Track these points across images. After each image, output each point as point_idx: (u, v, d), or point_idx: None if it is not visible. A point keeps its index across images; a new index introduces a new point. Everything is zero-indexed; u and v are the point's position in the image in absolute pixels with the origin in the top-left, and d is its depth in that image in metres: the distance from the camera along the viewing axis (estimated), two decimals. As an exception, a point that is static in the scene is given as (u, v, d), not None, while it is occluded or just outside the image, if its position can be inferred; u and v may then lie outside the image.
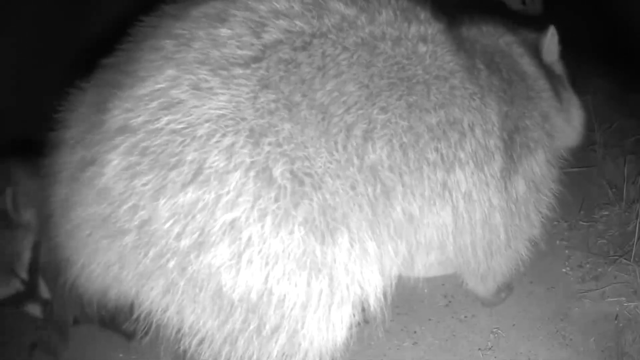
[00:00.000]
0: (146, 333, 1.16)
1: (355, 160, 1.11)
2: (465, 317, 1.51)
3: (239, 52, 1.08)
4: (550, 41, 1.53)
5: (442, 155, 1.19)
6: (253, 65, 1.07)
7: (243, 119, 1.04)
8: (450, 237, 1.25)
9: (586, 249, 1.72)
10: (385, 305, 1.16)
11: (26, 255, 1.55)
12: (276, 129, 1.05)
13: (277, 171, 1.04)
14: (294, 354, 1.12)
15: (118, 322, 1.64)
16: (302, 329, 1.09)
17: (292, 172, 1.06)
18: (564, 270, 1.65)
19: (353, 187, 1.10)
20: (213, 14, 1.12)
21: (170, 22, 1.14)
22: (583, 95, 2.72)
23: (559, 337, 1.39)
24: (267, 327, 1.08)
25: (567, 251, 1.74)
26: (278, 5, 1.13)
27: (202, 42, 1.08)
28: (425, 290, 1.65)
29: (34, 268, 1.56)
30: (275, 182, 1.04)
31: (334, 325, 1.12)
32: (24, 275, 1.55)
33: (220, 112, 1.04)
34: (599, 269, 1.61)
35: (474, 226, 1.26)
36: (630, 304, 1.46)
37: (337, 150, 1.10)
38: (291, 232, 1.04)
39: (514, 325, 1.45)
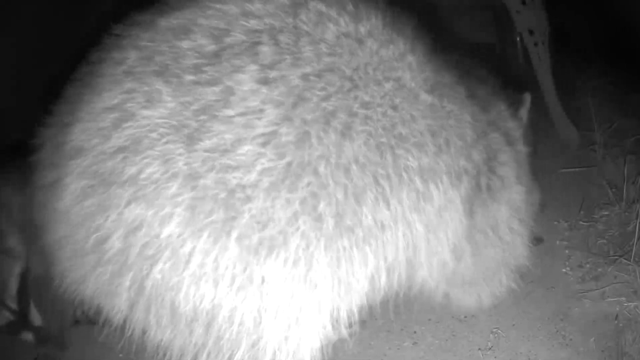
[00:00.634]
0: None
1: (332, 158, 1.05)
2: (465, 317, 1.51)
3: (195, 60, 1.06)
4: (525, 106, 1.61)
5: (420, 164, 1.14)
6: (204, 69, 1.05)
7: (184, 126, 1.02)
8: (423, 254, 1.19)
9: (586, 249, 1.72)
10: (347, 324, 1.13)
11: (13, 284, 1.52)
12: (213, 132, 1.01)
13: (208, 181, 1.00)
14: None
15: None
16: (258, 343, 1.07)
17: (224, 182, 1.01)
18: (564, 270, 1.65)
19: (302, 201, 1.03)
20: (179, 26, 1.10)
21: (137, 32, 1.12)
22: (583, 96, 2.73)
23: (559, 337, 1.39)
24: (224, 342, 1.05)
25: (567, 251, 1.74)
26: (252, 7, 1.10)
27: (164, 56, 1.07)
28: (425, 290, 1.65)
29: (23, 296, 1.53)
30: (208, 193, 1.00)
31: (293, 339, 1.08)
32: (12, 305, 1.51)
33: (165, 120, 1.02)
34: (599, 269, 1.61)
35: (443, 247, 1.22)
36: (630, 304, 1.46)
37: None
38: (226, 249, 1.01)
39: (514, 325, 1.45)
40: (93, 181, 1.04)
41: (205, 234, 1.00)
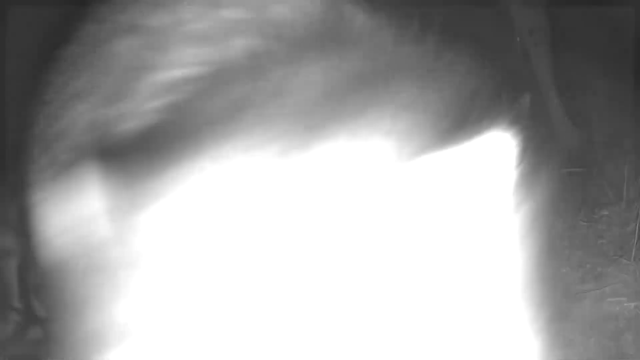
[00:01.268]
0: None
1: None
2: (465, 317, 1.51)
3: None
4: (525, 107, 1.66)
5: None
6: None
7: None
8: None
9: (586, 249, 1.72)
10: None
11: (14, 283, 1.52)
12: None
13: None
14: None
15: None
16: None
17: None
18: (564, 270, 1.65)
19: None
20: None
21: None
22: (583, 96, 2.72)
23: (559, 337, 1.39)
24: None
25: (567, 251, 1.73)
26: None
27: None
28: (425, 290, 1.65)
29: (24, 291, 1.53)
30: None
31: None
32: (16, 304, 1.52)
33: None
34: (599, 269, 1.61)
35: None
36: (630, 304, 1.46)
37: None
38: None
39: (514, 325, 1.45)
40: None
41: None
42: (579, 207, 1.95)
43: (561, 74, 2.74)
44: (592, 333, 1.39)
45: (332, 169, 0.72)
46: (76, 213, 1.03)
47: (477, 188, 0.83)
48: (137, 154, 0.78)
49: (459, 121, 0.80)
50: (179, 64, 0.84)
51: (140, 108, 0.80)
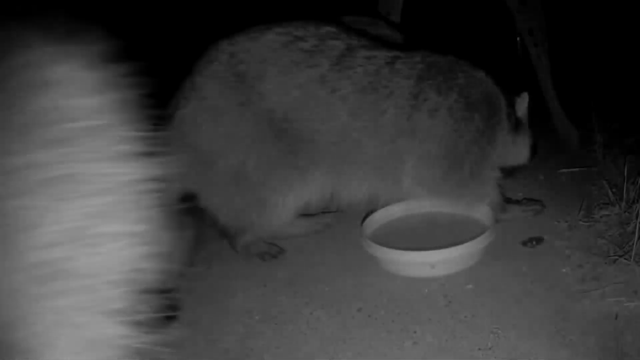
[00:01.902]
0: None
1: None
2: (465, 317, 1.51)
3: None
4: (522, 102, 1.94)
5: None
6: None
7: None
8: None
9: (586, 249, 1.72)
10: None
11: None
12: None
13: None
14: None
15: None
16: None
17: None
18: (564, 270, 1.65)
19: None
20: None
21: None
22: (583, 96, 2.73)
23: (559, 337, 1.39)
24: None
25: (567, 251, 1.74)
26: None
27: None
28: (426, 290, 1.65)
29: None
30: None
31: None
32: None
33: None
34: (599, 269, 1.61)
35: None
36: (630, 304, 1.46)
37: None
38: None
39: (514, 325, 1.45)
40: None
41: None
42: (579, 207, 1.95)
43: (561, 74, 2.74)
44: (592, 333, 1.39)
45: None
46: None
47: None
48: None
49: None
50: None
51: None
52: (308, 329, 1.55)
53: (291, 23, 1.82)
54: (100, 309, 0.83)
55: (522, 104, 1.94)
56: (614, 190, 1.94)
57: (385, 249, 1.74)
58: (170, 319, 1.65)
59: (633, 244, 1.62)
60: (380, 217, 1.96)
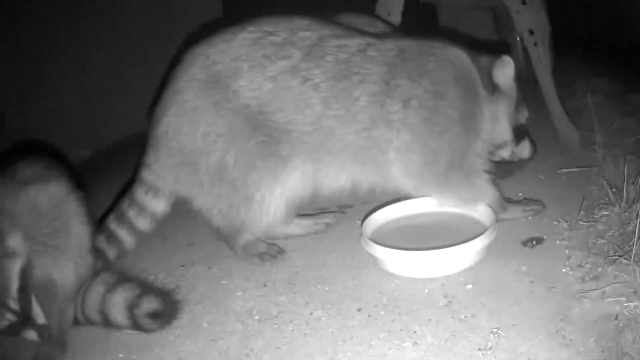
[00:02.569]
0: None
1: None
2: (465, 317, 1.51)
3: None
4: (501, 70, 1.86)
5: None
6: None
7: None
8: None
9: (586, 249, 1.72)
10: None
11: (14, 285, 1.51)
12: None
13: None
14: None
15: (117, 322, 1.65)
16: None
17: None
18: (564, 270, 1.65)
19: None
20: None
21: None
22: (583, 96, 2.73)
23: (559, 337, 1.39)
24: None
25: (567, 251, 1.74)
26: None
27: None
28: (426, 290, 1.65)
29: (25, 295, 1.53)
30: None
31: None
32: (14, 305, 1.51)
33: None
34: (599, 269, 1.61)
35: None
36: (630, 304, 1.45)
37: None
38: None
39: (514, 325, 1.45)
40: None
41: None
42: (579, 207, 1.95)
43: (561, 74, 2.74)
44: (592, 333, 1.38)
45: None
46: None
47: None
48: None
49: None
50: None
51: None
52: (308, 329, 1.55)
53: (264, 20, 1.84)
54: None
55: (502, 69, 1.86)
56: (614, 190, 1.94)
57: (385, 249, 1.74)
58: (170, 318, 1.65)
59: (633, 244, 1.62)
60: (380, 217, 1.96)
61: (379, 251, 1.75)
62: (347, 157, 1.82)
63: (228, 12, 3.61)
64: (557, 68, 2.77)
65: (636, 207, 1.78)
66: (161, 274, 1.93)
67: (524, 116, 2.00)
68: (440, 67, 1.80)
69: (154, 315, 1.62)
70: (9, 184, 1.62)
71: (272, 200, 1.84)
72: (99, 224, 1.94)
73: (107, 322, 1.65)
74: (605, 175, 2.10)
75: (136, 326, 1.62)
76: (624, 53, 3.07)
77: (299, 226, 2.06)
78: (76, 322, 1.68)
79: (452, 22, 4.33)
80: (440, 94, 1.78)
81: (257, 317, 1.63)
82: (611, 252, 1.67)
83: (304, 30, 1.80)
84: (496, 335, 1.42)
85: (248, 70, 1.78)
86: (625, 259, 1.61)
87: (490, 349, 1.38)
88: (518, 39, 3.90)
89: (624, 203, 1.85)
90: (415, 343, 1.44)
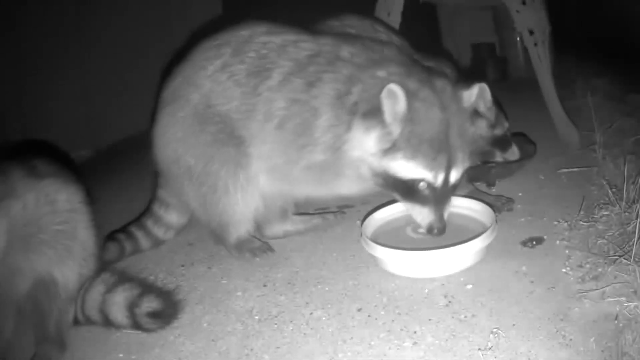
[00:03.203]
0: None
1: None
2: (465, 317, 1.51)
3: None
4: (480, 97, 1.91)
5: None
6: None
7: None
8: None
9: (586, 249, 1.72)
10: None
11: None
12: None
13: None
14: None
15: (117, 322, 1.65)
16: None
17: None
18: (564, 270, 1.65)
19: None
20: None
21: None
22: (583, 96, 2.73)
23: (559, 337, 1.39)
24: None
25: (567, 251, 1.74)
26: None
27: None
28: (426, 290, 1.65)
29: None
30: None
31: None
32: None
33: None
34: (599, 269, 1.61)
35: None
36: (630, 304, 1.45)
37: None
38: None
39: (514, 325, 1.45)
40: None
41: None
42: (579, 207, 1.95)
43: (561, 74, 2.74)
44: (592, 333, 1.38)
45: None
46: None
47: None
48: None
49: None
50: None
51: None
52: (308, 328, 1.55)
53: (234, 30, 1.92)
54: None
55: (481, 97, 1.93)
56: (614, 190, 1.94)
57: (385, 249, 1.74)
58: (170, 318, 1.66)
59: (633, 244, 1.62)
60: (380, 217, 1.96)
61: (379, 251, 1.75)
62: (268, 147, 1.86)
63: (228, 10, 3.62)
64: (557, 68, 2.77)
65: (636, 207, 1.78)
66: (161, 274, 1.93)
67: (504, 128, 2.22)
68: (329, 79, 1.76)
69: (154, 315, 1.62)
70: (29, 174, 1.63)
71: (238, 187, 1.87)
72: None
73: (107, 322, 1.65)
74: (605, 175, 2.11)
75: (136, 326, 1.62)
76: (624, 53, 3.07)
77: (298, 222, 2.08)
78: (76, 321, 1.69)
79: (452, 22, 4.34)
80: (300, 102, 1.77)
81: (257, 317, 1.63)
82: (611, 252, 1.67)
83: (242, 30, 1.88)
84: (496, 335, 1.42)
85: (195, 73, 1.89)
86: (625, 259, 1.61)
87: (490, 349, 1.38)
88: (518, 39, 3.91)
89: (624, 203, 1.85)
90: (415, 343, 1.44)
